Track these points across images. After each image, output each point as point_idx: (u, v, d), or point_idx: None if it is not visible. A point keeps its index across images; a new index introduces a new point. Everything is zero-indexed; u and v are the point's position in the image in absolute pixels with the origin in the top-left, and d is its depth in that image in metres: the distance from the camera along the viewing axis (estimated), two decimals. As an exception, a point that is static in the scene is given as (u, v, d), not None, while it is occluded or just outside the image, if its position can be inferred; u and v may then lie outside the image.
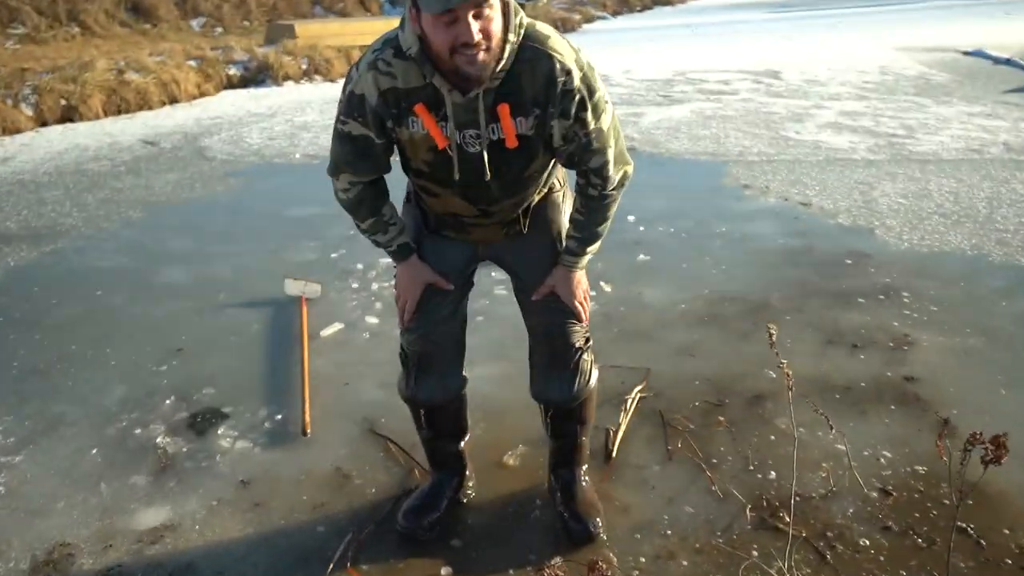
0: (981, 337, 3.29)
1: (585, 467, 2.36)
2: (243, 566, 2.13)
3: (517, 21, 1.71)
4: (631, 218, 4.74)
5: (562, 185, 2.14)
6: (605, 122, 1.85)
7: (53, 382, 3.12)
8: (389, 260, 4.09)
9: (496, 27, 1.64)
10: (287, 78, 10.23)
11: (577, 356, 2.16)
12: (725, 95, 8.89)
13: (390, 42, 1.77)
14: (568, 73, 1.76)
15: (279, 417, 2.85)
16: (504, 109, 1.74)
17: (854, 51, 12.11)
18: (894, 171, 5.75)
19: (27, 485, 2.51)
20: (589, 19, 18.54)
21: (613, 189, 1.95)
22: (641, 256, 4.21)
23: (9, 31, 11.47)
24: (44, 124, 7.73)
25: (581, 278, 2.10)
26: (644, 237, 4.49)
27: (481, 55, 1.63)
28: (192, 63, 9.88)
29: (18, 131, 7.41)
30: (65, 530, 2.31)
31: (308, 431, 2.74)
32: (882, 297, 3.69)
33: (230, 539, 2.26)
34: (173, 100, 9.01)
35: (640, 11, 21.30)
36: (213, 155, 6.68)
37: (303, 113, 8.37)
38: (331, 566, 2.10)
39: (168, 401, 2.96)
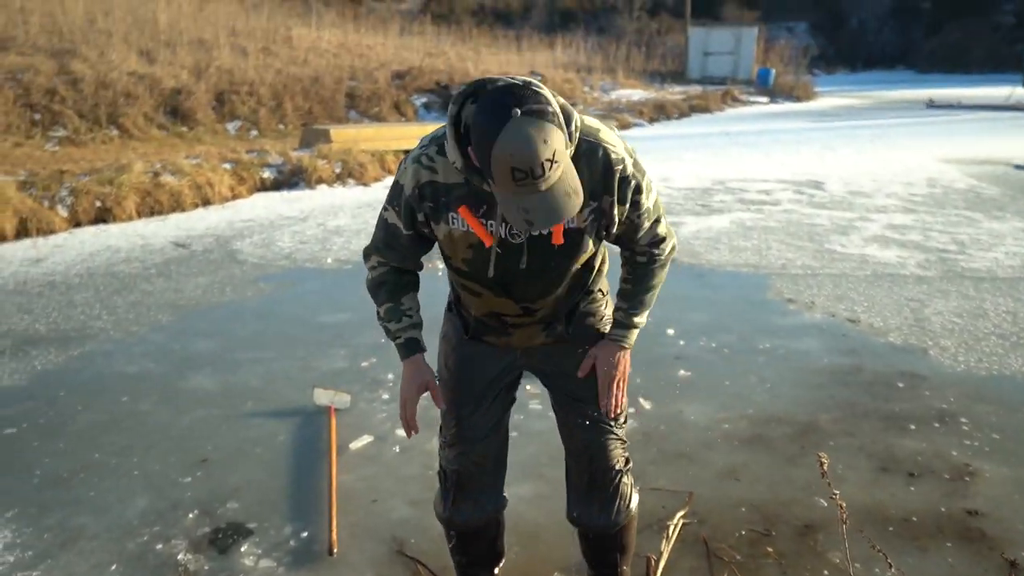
0: (1048, 468, 3.23)
1: None
2: None
3: (574, 127, 1.75)
4: (671, 331, 4.76)
5: (605, 294, 2.17)
6: (652, 199, 1.95)
7: (75, 492, 3.15)
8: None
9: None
10: (320, 181, 10.50)
11: (617, 479, 2.16)
12: (766, 205, 9.01)
13: (436, 139, 1.85)
14: (623, 162, 1.84)
15: (304, 535, 2.84)
16: None
17: (899, 162, 12.26)
18: (946, 288, 5.76)
19: (44, 601, 2.52)
20: (625, 126, 19.03)
21: (664, 258, 2.04)
22: (682, 371, 4.19)
23: (49, 134, 12.01)
24: (78, 225, 7.98)
25: (624, 358, 2.10)
26: (684, 352, 4.50)
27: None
28: (227, 166, 10.20)
29: (52, 232, 7.65)
30: (81, 651, 2.31)
31: (335, 551, 2.73)
32: (939, 423, 3.65)
33: (251, 666, 2.24)
34: (206, 202, 9.28)
35: (677, 118, 21.81)
36: (244, 258, 6.86)
37: (335, 217, 8.59)
38: None
39: (191, 515, 2.97)
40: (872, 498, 3.02)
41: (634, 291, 2.06)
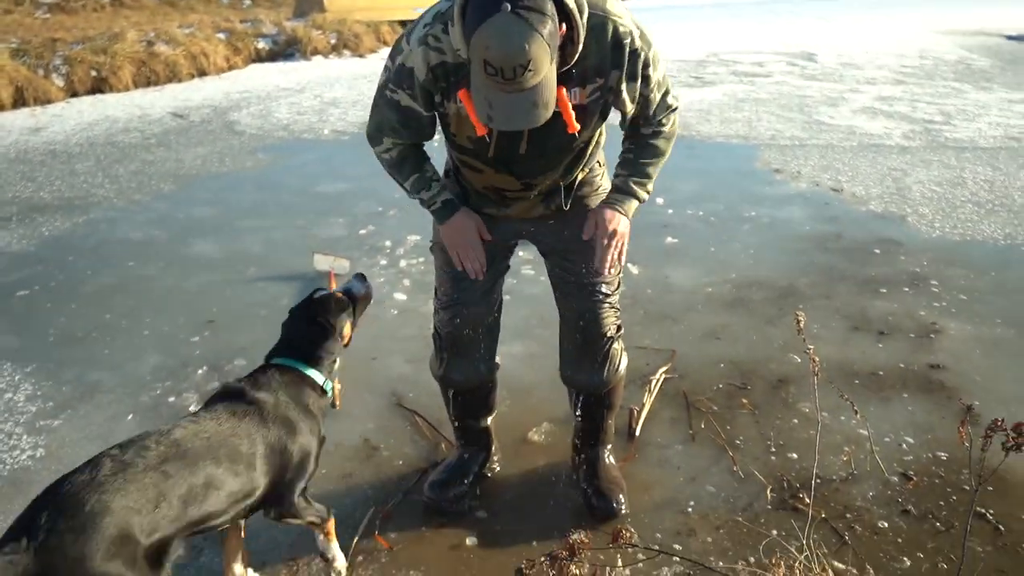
0: (1011, 328, 3.30)
1: (609, 446, 2.39)
2: (273, 531, 2.19)
3: (581, 19, 1.64)
4: (660, 200, 4.75)
5: (602, 165, 2.14)
6: (661, 71, 1.87)
7: (90, 350, 3.21)
8: (417, 237, 4.17)
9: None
10: (316, 52, 10.25)
11: (608, 344, 2.16)
12: (759, 77, 8.84)
13: (441, 16, 1.75)
14: (631, 35, 1.76)
15: (308, 389, 2.93)
16: (562, 96, 1.68)
17: (894, 33, 11.95)
18: (929, 158, 5.73)
19: (65, 448, 2.60)
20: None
21: (665, 126, 1.96)
22: (669, 239, 4.22)
23: (40, 0, 11.56)
24: (75, 95, 7.83)
25: (621, 221, 2.01)
26: (672, 220, 4.52)
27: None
28: (221, 36, 9.92)
29: (49, 101, 7.50)
30: (103, 492, 2.41)
31: (337, 404, 2.79)
32: (910, 285, 3.70)
33: (262, 505, 2.34)
34: (202, 73, 9.08)
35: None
36: (242, 129, 6.76)
37: (332, 89, 8.41)
38: (358, 534, 2.16)
39: (200, 371, 3.05)
40: (843, 354, 3.09)
41: (636, 160, 1.99)
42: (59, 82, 7.79)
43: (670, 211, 4.64)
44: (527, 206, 2.04)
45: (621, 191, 2.01)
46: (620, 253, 2.04)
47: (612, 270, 2.09)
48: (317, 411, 1.95)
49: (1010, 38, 11.17)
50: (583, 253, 2.08)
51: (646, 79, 1.83)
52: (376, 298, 3.59)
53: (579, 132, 1.81)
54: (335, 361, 2.03)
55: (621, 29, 1.74)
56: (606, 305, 2.12)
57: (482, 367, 2.25)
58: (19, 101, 7.35)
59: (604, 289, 2.11)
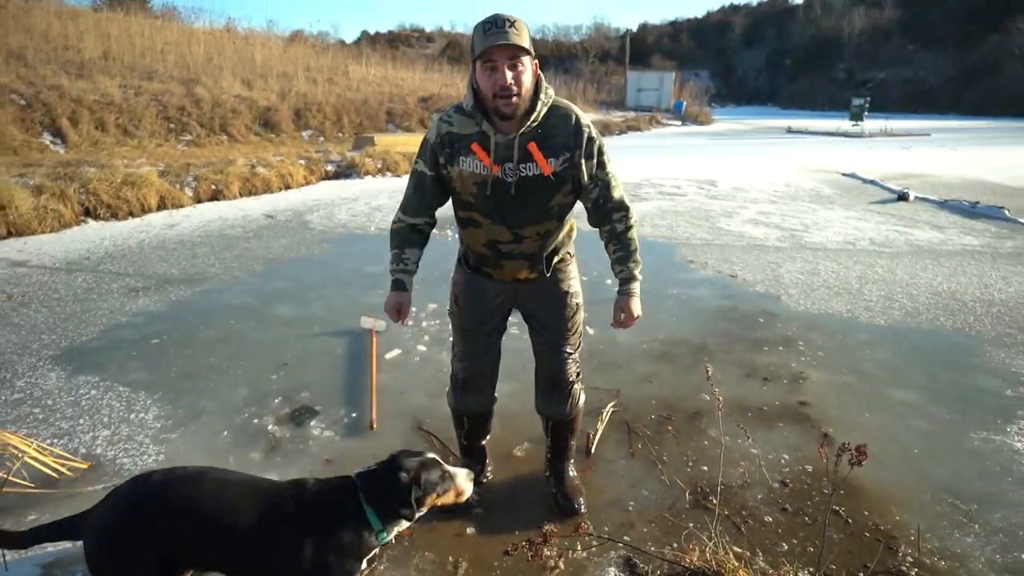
0: (852, 375, 3.29)
1: (571, 461, 2.35)
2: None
3: (546, 90, 1.76)
4: (608, 282, 4.75)
5: (572, 256, 2.11)
6: (614, 166, 1.88)
7: (199, 384, 3.15)
8: (435, 305, 4.13)
9: (526, 80, 1.69)
10: (367, 173, 10.36)
11: (571, 386, 2.14)
12: (677, 196, 8.97)
13: (455, 106, 1.84)
14: (588, 125, 1.81)
15: (354, 415, 2.86)
16: (533, 145, 1.75)
17: (767, 169, 12.21)
18: (794, 255, 5.77)
19: (179, 456, 2.54)
20: (581, 140, 18.82)
21: (632, 217, 1.92)
22: (620, 319, 4.19)
23: (180, 138, 11.76)
24: (199, 201, 7.84)
25: (638, 304, 1.99)
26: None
27: (514, 99, 1.68)
28: (302, 161, 10.03)
29: (181, 206, 7.52)
30: (201, 490, 2.33)
31: (374, 426, 2.76)
32: (784, 345, 3.69)
33: (317, 501, 2.26)
34: (287, 187, 9.13)
35: (618, 134, 21.57)
36: (313, 226, 6.78)
37: (377, 198, 8.49)
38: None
39: (277, 400, 2.98)
40: (739, 394, 3.06)
41: (625, 254, 1.94)
42: (189, 193, 7.83)
43: (615, 289, 4.63)
44: (516, 266, 1.97)
45: (628, 280, 1.97)
46: (636, 322, 2.01)
47: (575, 337, 2.08)
48: (357, 550, 1.52)
49: (843, 174, 11.46)
50: (556, 327, 2.07)
51: (601, 164, 1.83)
52: (404, 349, 3.58)
53: (555, 191, 1.82)
54: (401, 521, 1.63)
55: (581, 120, 1.80)
56: (570, 360, 2.10)
57: (486, 400, 2.24)
58: (161, 206, 7.36)
59: (568, 350, 2.09)
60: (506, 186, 1.79)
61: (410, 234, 1.96)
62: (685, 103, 31.32)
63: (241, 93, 13.99)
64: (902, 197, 8.70)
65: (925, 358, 3.51)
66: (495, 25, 1.64)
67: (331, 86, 17.04)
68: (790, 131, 23.93)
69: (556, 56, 48.47)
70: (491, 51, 1.64)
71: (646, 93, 33.97)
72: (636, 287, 1.97)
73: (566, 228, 2.02)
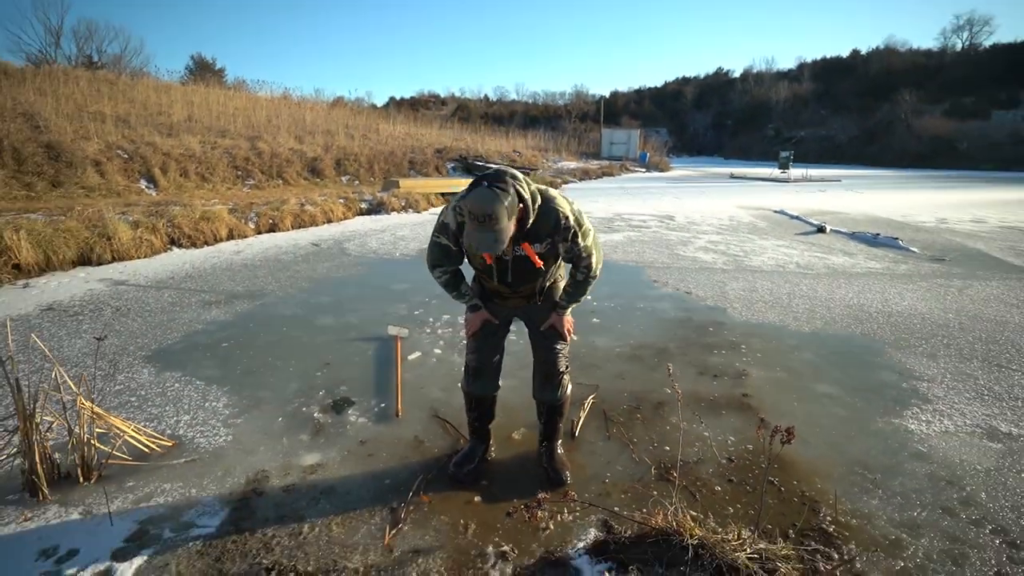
0: (784, 372, 3.28)
1: (560, 441, 2.33)
2: (361, 490, 2.13)
3: (531, 195, 1.75)
4: (589, 297, 4.75)
5: (562, 276, 2.17)
6: (589, 239, 1.91)
7: (260, 379, 3.14)
8: (448, 316, 4.13)
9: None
10: (393, 210, 10.39)
11: (561, 376, 2.17)
12: (643, 228, 9.01)
13: (462, 196, 1.82)
14: (567, 218, 1.83)
15: (383, 405, 2.85)
16: (526, 246, 1.83)
17: (714, 207, 12.29)
18: (737, 276, 5.78)
19: (244, 436, 2.52)
20: (566, 182, 18.90)
21: (592, 276, 2.00)
22: (595, 320, 4.20)
23: (245, 183, 11.80)
24: (259, 233, 7.85)
25: (568, 318, 2.14)
26: (597, 308, 4.49)
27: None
28: (341, 200, 10.06)
29: (245, 236, 7.53)
30: (264, 462, 2.32)
31: (399, 414, 2.75)
32: (730, 348, 3.69)
33: (353, 474, 2.25)
34: (329, 220, 9.14)
35: (595, 178, 21.68)
36: (350, 252, 6.79)
37: (401, 230, 8.50)
38: (411, 493, 2.10)
39: (321, 393, 2.97)
40: (694, 388, 3.05)
41: (574, 292, 2.05)
42: (251, 225, 7.85)
43: (595, 303, 4.64)
44: (517, 301, 2.09)
45: (565, 307, 2.10)
46: (569, 331, 2.15)
47: (564, 340, 2.13)
48: None
49: (774, 211, 11.51)
50: (547, 331, 2.12)
51: (575, 243, 1.87)
52: (424, 352, 3.57)
53: (542, 266, 1.89)
54: None
55: (561, 215, 1.82)
56: (561, 355, 2.13)
57: (491, 386, 2.23)
58: (230, 236, 7.38)
59: (559, 347, 2.13)
60: (504, 262, 1.90)
61: (453, 278, 2.03)
62: (648, 154, 31.54)
63: (294, 147, 14.08)
64: (820, 229, 8.77)
65: (840, 358, 3.51)
66: (476, 219, 1.64)
67: (365, 140, 17.15)
68: (732, 177, 24.09)
69: (545, 116, 48.94)
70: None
71: (617, 146, 34.24)
72: (567, 311, 2.12)
73: (554, 276, 2.13)
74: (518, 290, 2.02)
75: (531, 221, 1.78)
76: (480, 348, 2.16)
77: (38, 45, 25.49)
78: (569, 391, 2.23)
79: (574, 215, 1.86)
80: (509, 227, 1.67)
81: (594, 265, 1.98)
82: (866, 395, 2.99)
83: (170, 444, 2.43)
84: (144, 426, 2.53)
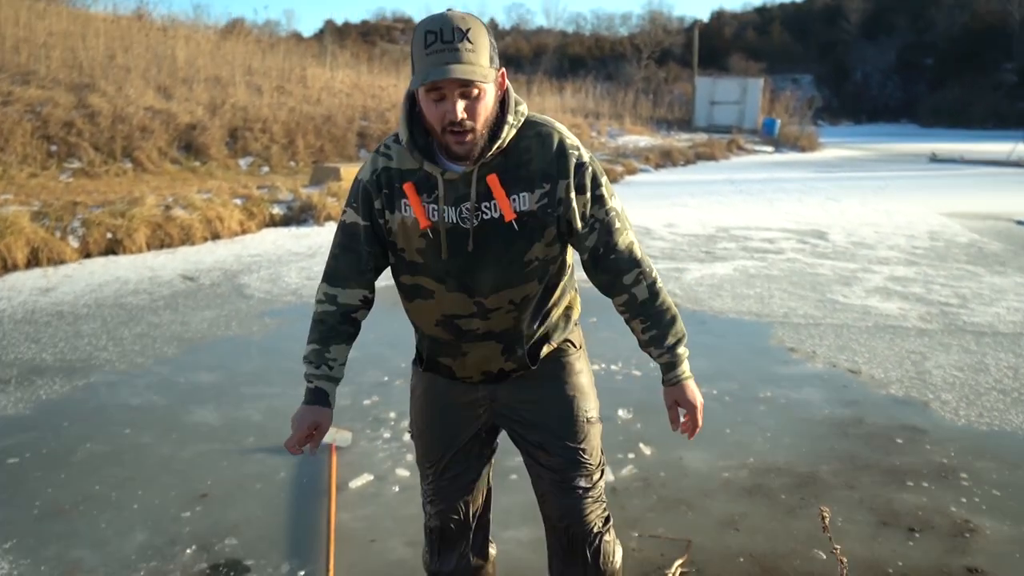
0: (1047, 526, 3.20)
1: None
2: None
3: (516, 107, 1.80)
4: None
5: (578, 348, 2.08)
6: (618, 202, 1.89)
7: (73, 525, 3.13)
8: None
9: (483, 109, 1.72)
10: (329, 218, 10.53)
11: (597, 540, 2.06)
12: (770, 254, 9.04)
13: (395, 134, 1.88)
14: (577, 148, 1.83)
15: (301, 574, 2.81)
16: (493, 179, 1.77)
17: (902, 215, 12.31)
18: (948, 342, 5.74)
19: (38, 635, 2.49)
20: (632, 171, 19.14)
21: (652, 273, 1.93)
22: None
23: (65, 165, 12.13)
24: (88, 256, 8.03)
25: (696, 392, 2.05)
26: (686, 399, 4.47)
27: (468, 136, 1.71)
28: (237, 201, 10.28)
29: (62, 262, 7.70)
30: None
31: (330, 592, 2.72)
32: (939, 478, 3.62)
33: None
34: (216, 236, 9.33)
35: (683, 165, 21.96)
36: (251, 293, 6.88)
37: (343, 255, 8.62)
38: None
39: (189, 551, 2.95)
40: (872, 553, 2.98)
41: (659, 330, 1.96)
42: (74, 243, 8.04)
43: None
44: (484, 353, 1.94)
45: (676, 363, 2.01)
46: (699, 422, 2.09)
47: (591, 463, 2.05)
48: None
49: (1020, 223, 11.47)
50: (560, 451, 2.01)
51: (599, 199, 1.85)
52: (377, 473, 3.57)
53: (529, 243, 1.82)
54: None
55: (567, 141, 1.84)
56: (587, 498, 2.04)
57: (471, 559, 2.19)
58: (32, 261, 7.55)
59: (583, 483, 2.03)
60: (463, 235, 1.81)
61: (339, 324, 1.95)
62: (779, 121, 31.98)
63: (155, 105, 14.57)
64: (1106, 258, 8.72)
65: None
66: (440, 39, 1.66)
67: (281, 96, 17.69)
68: (935, 159, 24.26)
69: (595, 56, 50.25)
70: (436, 81, 1.68)
71: (723, 108, 34.80)
72: (686, 368, 2.02)
73: (562, 302, 2.01)
74: (485, 306, 1.88)
75: (508, 135, 1.78)
76: (440, 490, 2.11)
77: None
78: (619, 561, 2.14)
79: (587, 151, 1.87)
80: (486, 67, 1.70)
81: (641, 255, 1.92)
82: None
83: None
84: None
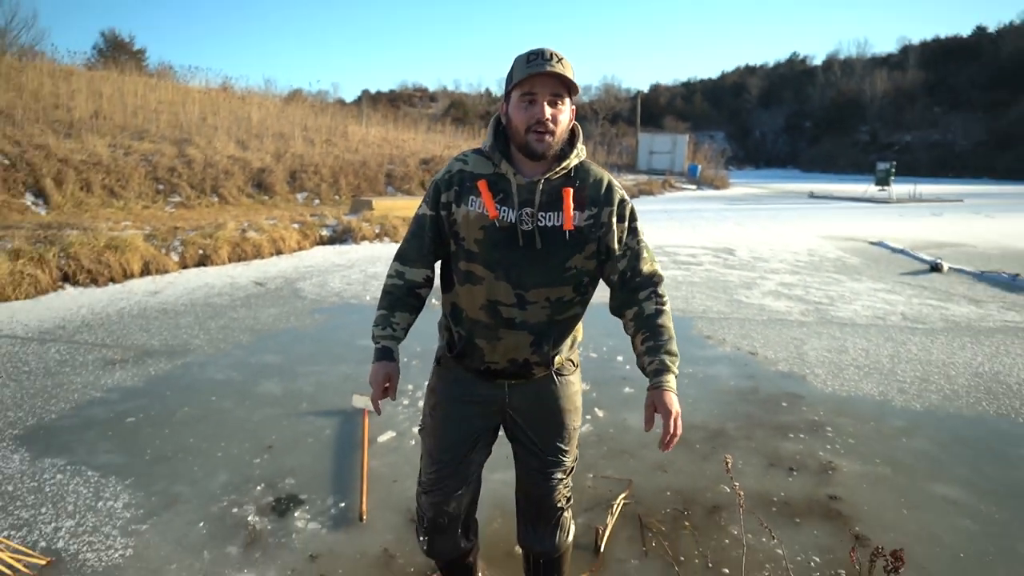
0: (887, 467, 3.24)
1: None
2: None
3: (581, 142, 1.74)
4: (619, 358, 4.77)
5: (576, 366, 1.93)
6: (647, 239, 1.80)
7: (174, 468, 3.14)
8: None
9: (563, 120, 1.66)
10: (364, 238, 10.54)
11: (559, 515, 1.96)
12: (692, 265, 9.08)
13: (472, 149, 1.78)
14: (621, 189, 1.78)
15: (342, 505, 2.83)
16: (568, 191, 1.67)
17: (789, 236, 12.38)
18: (820, 331, 5.79)
19: (149, 550, 2.50)
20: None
21: (664, 297, 1.77)
22: (627, 389, 4.19)
23: (168, 199, 12.07)
24: (185, 267, 7.98)
25: (676, 401, 1.67)
26: (629, 374, 4.48)
27: (547, 137, 1.63)
28: (295, 225, 10.25)
29: (166, 272, 7.65)
30: (172, 590, 2.28)
31: (364, 518, 2.72)
32: (811, 431, 3.66)
33: (299, 604, 2.21)
34: (279, 252, 9.30)
35: (630, 199, 22.00)
36: (305, 295, 6.87)
37: (374, 265, 8.61)
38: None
39: (259, 488, 2.96)
40: (762, 487, 3.02)
41: (657, 342, 1.73)
42: (175, 258, 8.00)
43: (627, 367, 4.63)
44: (516, 342, 1.76)
45: (663, 371, 1.69)
46: (678, 427, 1.67)
47: (570, 462, 1.92)
48: None
49: (871, 243, 11.57)
50: (549, 450, 1.90)
51: (634, 230, 1.76)
52: (399, 431, 3.57)
53: (572, 250, 1.70)
54: None
55: (614, 183, 1.79)
56: (561, 485, 1.93)
57: (461, 542, 1.99)
58: (144, 271, 7.51)
59: (560, 475, 1.92)
60: (520, 234, 1.67)
61: (405, 296, 1.80)
62: (700, 166, 32.08)
63: (235, 154, 14.47)
64: (935, 268, 8.78)
65: (968, 448, 3.47)
66: (541, 56, 1.60)
67: (329, 147, 17.60)
68: (812, 196, 24.40)
69: (564, 117, 50.34)
70: (533, 80, 1.61)
71: (659, 156, 34.88)
72: (672, 381, 1.68)
73: (576, 328, 1.87)
74: (525, 298, 1.72)
75: (573, 161, 1.71)
76: (441, 486, 1.88)
77: None
78: (572, 535, 2.04)
79: (628, 196, 1.80)
80: (572, 85, 1.63)
81: (659, 283, 1.77)
82: (1009, 501, 2.93)
83: (43, 562, 2.39)
84: (7, 537, 2.50)
